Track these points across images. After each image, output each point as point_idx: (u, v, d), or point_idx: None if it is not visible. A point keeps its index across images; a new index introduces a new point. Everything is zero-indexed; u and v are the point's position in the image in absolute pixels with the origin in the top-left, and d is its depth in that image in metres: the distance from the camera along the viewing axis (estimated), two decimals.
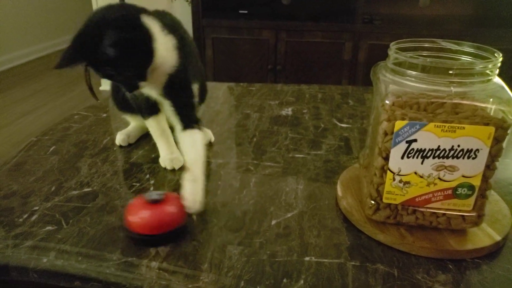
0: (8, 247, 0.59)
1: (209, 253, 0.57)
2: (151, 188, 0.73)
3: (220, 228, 0.62)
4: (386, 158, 0.53)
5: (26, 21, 4.01)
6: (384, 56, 0.58)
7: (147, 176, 0.77)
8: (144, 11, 0.67)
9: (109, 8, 0.64)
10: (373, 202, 0.57)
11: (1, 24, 3.65)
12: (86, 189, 0.73)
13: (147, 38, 0.63)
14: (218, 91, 1.22)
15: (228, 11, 2.42)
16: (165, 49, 0.67)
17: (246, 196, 0.70)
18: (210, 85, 1.27)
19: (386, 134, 0.52)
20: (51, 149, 0.87)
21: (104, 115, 1.04)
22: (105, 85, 3.31)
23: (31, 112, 2.74)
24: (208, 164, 0.81)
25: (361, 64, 2.29)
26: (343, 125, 0.98)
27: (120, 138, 0.88)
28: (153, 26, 0.65)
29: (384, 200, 0.55)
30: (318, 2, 2.52)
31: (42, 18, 4.22)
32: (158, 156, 0.83)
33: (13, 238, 0.60)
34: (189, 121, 0.74)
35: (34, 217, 0.65)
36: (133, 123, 0.91)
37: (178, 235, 0.60)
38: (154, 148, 0.87)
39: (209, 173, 0.78)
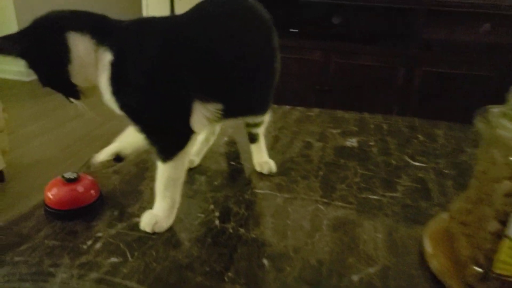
0: (73, 278, 0.55)
1: None
2: (216, 222, 0.69)
3: (295, 278, 0.57)
4: (504, 223, 0.47)
5: None
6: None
7: (212, 206, 0.73)
8: (91, 23, 0.60)
9: (59, 13, 0.60)
10: (479, 269, 0.50)
11: None
12: None
13: (57, 56, 0.59)
14: (274, 114, 1.18)
15: (278, 28, 2.39)
16: (91, 68, 0.60)
17: (319, 242, 0.64)
18: None
19: (508, 196, 0.46)
20: (112, 168, 0.84)
21: None
22: None
23: (77, 116, 2.80)
24: (273, 197, 0.76)
25: (415, 91, 2.20)
26: (416, 163, 0.91)
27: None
28: (80, 43, 0.59)
29: (496, 270, 0.49)
30: (371, 23, 2.46)
31: None
32: (221, 184, 0.79)
33: (78, 268, 0.57)
34: (158, 151, 0.64)
35: (98, 245, 0.62)
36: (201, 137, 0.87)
37: (86, 212, 0.68)
38: (217, 174, 0.84)
39: (276, 208, 0.73)
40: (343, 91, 2.32)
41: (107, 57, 0.59)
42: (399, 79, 2.22)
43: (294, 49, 2.29)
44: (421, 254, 0.62)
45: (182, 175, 0.66)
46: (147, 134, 0.63)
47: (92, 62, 0.60)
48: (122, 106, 0.61)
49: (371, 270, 0.59)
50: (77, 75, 0.60)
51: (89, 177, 0.71)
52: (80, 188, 0.68)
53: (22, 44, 0.58)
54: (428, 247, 0.61)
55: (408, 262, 0.61)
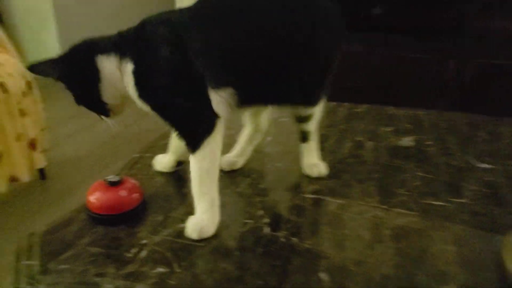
0: None
1: None
2: (266, 229, 0.64)
3: None
4: None
5: (109, 27, 4.20)
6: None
7: (260, 212, 0.68)
8: (114, 46, 0.65)
9: (90, 40, 0.66)
10: None
11: (86, 29, 3.84)
12: None
13: (90, 78, 0.64)
14: None
15: None
16: (119, 84, 0.65)
17: (382, 254, 0.58)
18: None
19: None
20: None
21: None
22: None
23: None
24: (326, 203, 0.70)
25: (466, 85, 2.07)
26: (482, 165, 0.82)
27: (227, 160, 0.80)
28: (107, 63, 0.64)
29: None
30: (417, 13, 2.33)
31: (124, 23, 4.40)
32: (267, 188, 0.74)
33: (124, 278, 0.53)
34: (187, 143, 0.64)
35: (143, 253, 0.58)
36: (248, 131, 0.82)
37: (130, 218, 0.64)
38: (262, 176, 0.79)
39: (330, 215, 0.67)
40: (386, 86, 2.21)
41: (129, 67, 0.63)
42: (448, 72, 2.09)
43: None
44: (501, 270, 0.55)
45: (215, 167, 0.63)
46: (176, 127, 0.65)
47: (118, 77, 0.64)
48: (151, 106, 0.64)
49: None
50: (107, 93, 0.66)
51: (132, 180, 0.68)
52: (123, 192, 0.65)
53: (60, 68, 0.64)
54: (509, 263, 0.53)
55: (488, 280, 0.53)
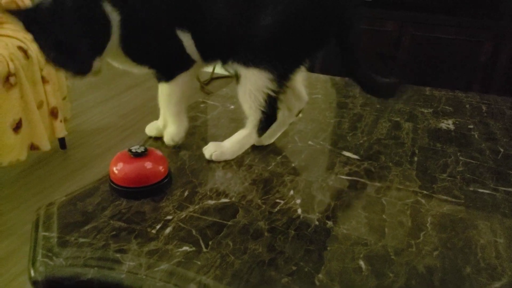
0: (141, 267, 0.49)
1: None
2: (299, 210, 0.59)
3: None
4: None
5: None
6: None
7: (291, 192, 0.63)
8: None
9: None
10: None
11: None
12: (223, 200, 0.61)
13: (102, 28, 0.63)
14: (353, 88, 1.05)
15: None
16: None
17: (425, 244, 0.53)
18: (338, 80, 1.11)
19: None
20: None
21: (232, 106, 0.93)
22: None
23: (136, 86, 2.80)
24: (363, 186, 0.65)
25: (501, 67, 1.96)
26: None
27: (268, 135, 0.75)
28: (114, 15, 0.64)
29: None
30: None
31: None
32: (299, 167, 0.69)
33: (147, 256, 0.50)
34: (164, 74, 0.72)
35: (168, 230, 0.55)
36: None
37: (154, 191, 0.61)
38: (294, 155, 0.74)
39: (367, 199, 0.62)
40: (418, 66, 2.12)
41: (116, 18, 0.63)
42: (483, 54, 1.98)
43: (366, 19, 2.11)
44: None
45: (184, 96, 0.74)
46: (158, 68, 0.71)
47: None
48: (133, 56, 0.68)
49: (497, 285, 0.47)
50: (108, 46, 0.65)
51: (158, 152, 0.64)
52: (148, 164, 0.61)
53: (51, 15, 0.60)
54: None
55: None
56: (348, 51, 0.70)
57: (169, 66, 0.71)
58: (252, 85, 0.67)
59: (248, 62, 0.66)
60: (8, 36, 1.63)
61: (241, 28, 0.65)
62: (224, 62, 0.70)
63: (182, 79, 0.72)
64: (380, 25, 2.10)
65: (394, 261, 0.50)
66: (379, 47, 2.13)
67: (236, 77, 0.69)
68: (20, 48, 1.59)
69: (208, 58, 0.72)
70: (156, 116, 0.79)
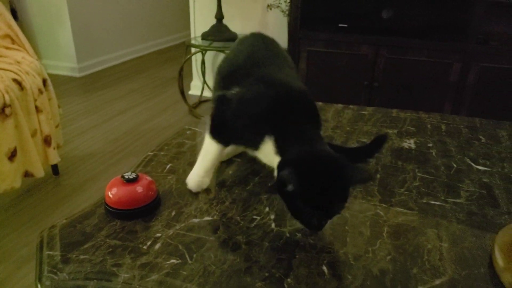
0: (135, 278, 0.56)
1: None
2: (272, 225, 0.68)
3: None
4: None
5: (123, 25, 4.26)
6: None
7: (267, 209, 0.72)
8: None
9: None
10: None
11: (100, 27, 3.90)
12: (206, 218, 0.69)
13: None
14: (326, 113, 1.16)
15: (327, 24, 2.34)
16: None
17: (380, 250, 0.62)
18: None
19: None
20: (168, 166, 0.85)
21: None
22: (194, 89, 3.39)
23: (126, 110, 2.89)
24: None
25: (470, 87, 2.09)
26: (479, 167, 0.86)
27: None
28: None
29: None
30: (423, 17, 2.36)
31: (137, 22, 4.46)
32: (273, 186, 0.78)
33: (139, 268, 0.58)
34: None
35: (157, 246, 0.63)
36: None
37: (145, 212, 0.69)
38: (270, 175, 0.83)
39: None
40: (393, 88, 2.24)
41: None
42: (453, 75, 2.12)
43: (343, 44, 2.24)
44: (492, 267, 0.58)
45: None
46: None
47: None
48: None
49: (437, 282, 0.56)
50: None
51: (148, 177, 0.72)
52: (139, 188, 0.69)
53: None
54: (499, 260, 0.57)
55: (477, 275, 0.57)
56: None
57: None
58: None
59: None
60: (3, 69, 1.72)
61: None
62: None
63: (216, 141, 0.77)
64: (357, 49, 2.23)
65: (353, 266, 0.59)
66: (356, 70, 2.25)
67: None
68: (14, 80, 1.68)
69: None
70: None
